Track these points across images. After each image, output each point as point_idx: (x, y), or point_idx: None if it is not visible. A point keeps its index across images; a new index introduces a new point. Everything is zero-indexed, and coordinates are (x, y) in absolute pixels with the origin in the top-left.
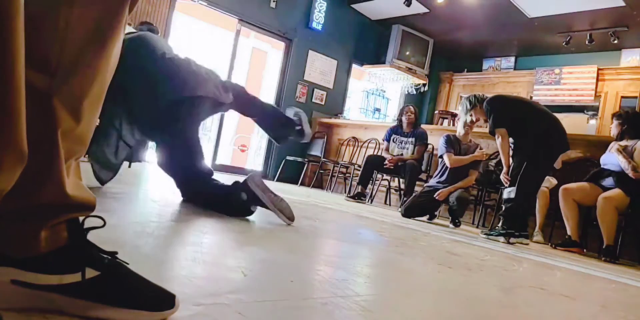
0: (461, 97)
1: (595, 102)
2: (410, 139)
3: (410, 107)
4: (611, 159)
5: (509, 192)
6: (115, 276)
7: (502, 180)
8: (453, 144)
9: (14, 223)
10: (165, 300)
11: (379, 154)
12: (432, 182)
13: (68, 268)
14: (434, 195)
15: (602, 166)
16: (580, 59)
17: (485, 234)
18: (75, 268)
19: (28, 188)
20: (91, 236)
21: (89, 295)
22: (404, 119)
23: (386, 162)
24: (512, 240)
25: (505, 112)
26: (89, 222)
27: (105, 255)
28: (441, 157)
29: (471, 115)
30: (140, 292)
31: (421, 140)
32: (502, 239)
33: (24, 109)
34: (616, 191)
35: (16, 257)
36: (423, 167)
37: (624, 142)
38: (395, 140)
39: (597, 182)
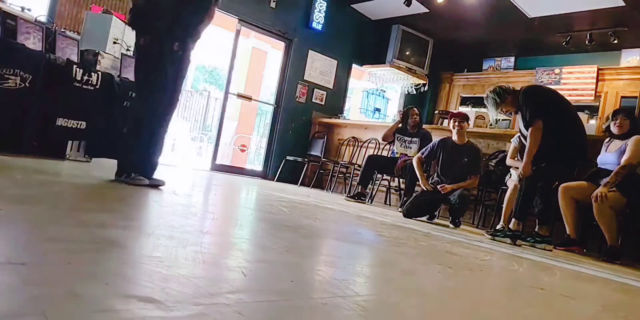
0: (486, 94)
1: (595, 102)
2: (415, 139)
3: (414, 109)
4: (608, 158)
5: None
6: None
7: (519, 172)
8: (435, 151)
9: None
10: None
11: (379, 153)
12: (430, 181)
13: None
14: (438, 187)
15: (599, 166)
16: (580, 59)
17: (490, 235)
18: None
19: None
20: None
21: None
22: (409, 121)
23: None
24: (538, 246)
25: (541, 103)
26: None
27: None
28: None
29: (502, 110)
30: None
31: (426, 140)
32: (508, 240)
33: None
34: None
35: None
36: (424, 167)
37: (619, 142)
38: (399, 139)
39: (596, 181)
